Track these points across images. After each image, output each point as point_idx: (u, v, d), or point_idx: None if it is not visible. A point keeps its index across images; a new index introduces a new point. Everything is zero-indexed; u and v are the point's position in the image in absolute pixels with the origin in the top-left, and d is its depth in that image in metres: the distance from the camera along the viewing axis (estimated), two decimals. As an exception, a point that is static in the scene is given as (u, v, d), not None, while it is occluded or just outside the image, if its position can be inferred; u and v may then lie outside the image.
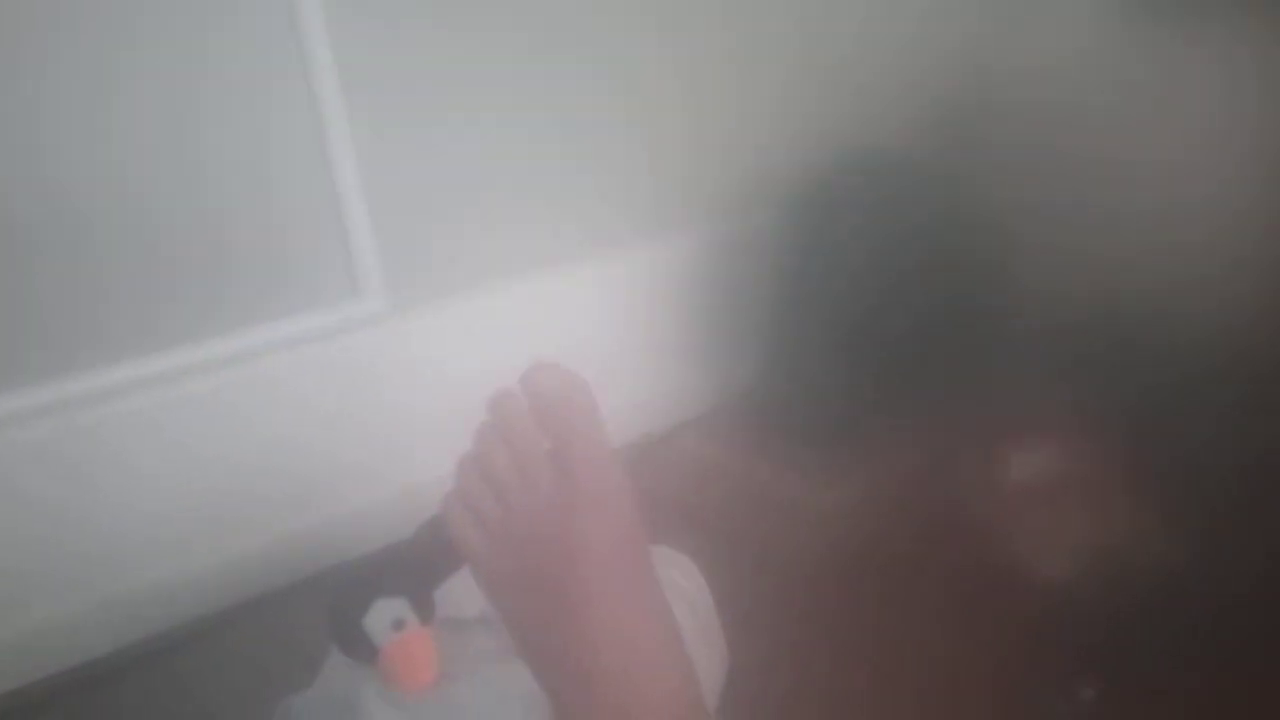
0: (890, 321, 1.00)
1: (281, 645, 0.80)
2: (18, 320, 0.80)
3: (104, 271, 0.82)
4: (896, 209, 1.03)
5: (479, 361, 0.97)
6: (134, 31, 0.78)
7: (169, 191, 0.83)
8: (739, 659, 0.76)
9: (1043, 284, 1.01)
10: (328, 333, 0.91)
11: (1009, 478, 0.98)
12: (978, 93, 1.10)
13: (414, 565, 0.68)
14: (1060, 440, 0.99)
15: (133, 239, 0.82)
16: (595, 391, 0.49)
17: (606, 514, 0.48)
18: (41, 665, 0.83)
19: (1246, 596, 0.81)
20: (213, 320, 0.88)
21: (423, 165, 0.94)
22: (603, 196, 1.05)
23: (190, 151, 0.83)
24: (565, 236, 1.04)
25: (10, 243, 0.78)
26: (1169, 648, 0.79)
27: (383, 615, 0.67)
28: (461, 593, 0.65)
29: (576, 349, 1.01)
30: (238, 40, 0.83)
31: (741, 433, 1.08)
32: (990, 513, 0.94)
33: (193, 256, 0.85)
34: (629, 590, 0.48)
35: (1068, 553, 0.90)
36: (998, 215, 1.02)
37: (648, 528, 0.49)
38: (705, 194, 1.11)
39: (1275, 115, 0.91)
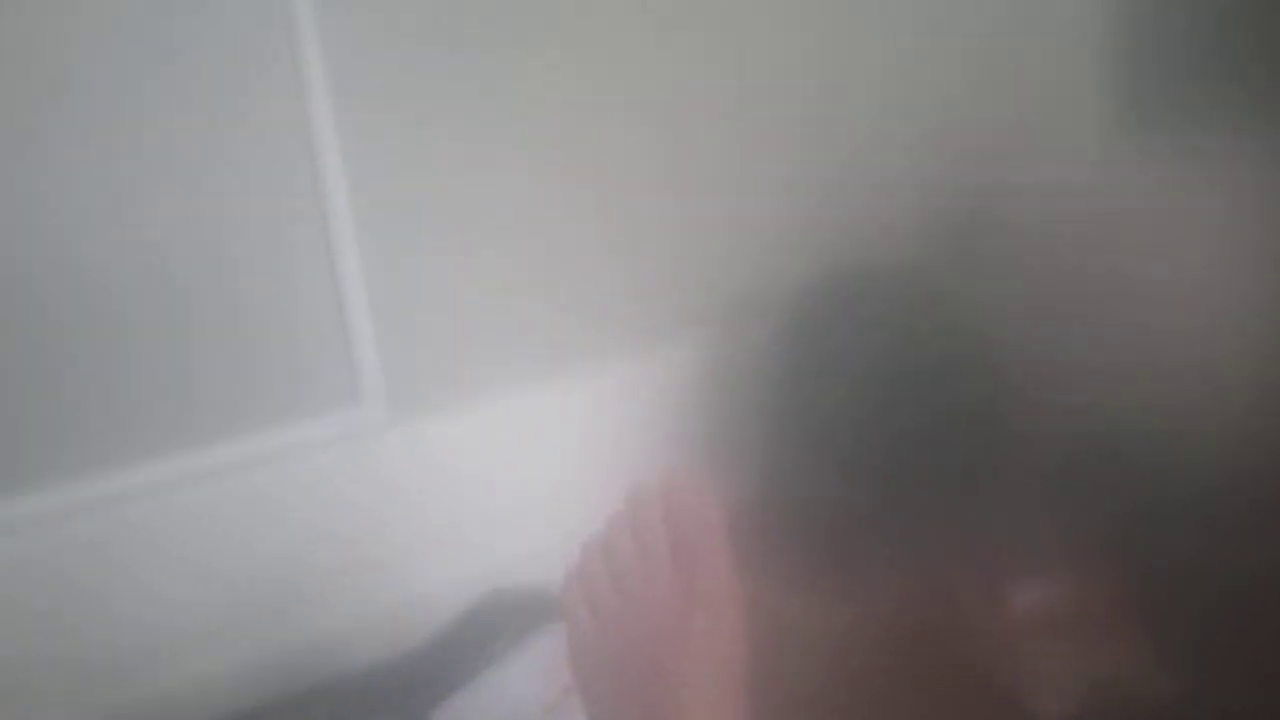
0: (886, 437, 1.01)
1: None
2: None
3: (87, 377, 0.82)
4: (893, 323, 1.05)
5: (476, 474, 0.98)
6: (152, 130, 0.80)
7: (175, 288, 0.84)
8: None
9: (1041, 399, 1.02)
10: (327, 440, 0.91)
11: (1006, 602, 0.98)
12: (976, 207, 1.13)
13: (413, 683, 0.67)
14: (1059, 563, 0.99)
15: (128, 342, 0.83)
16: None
17: (719, 624, 0.50)
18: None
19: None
20: (201, 428, 0.88)
21: (425, 277, 0.96)
22: (597, 308, 1.07)
23: (198, 249, 0.84)
24: (562, 349, 1.05)
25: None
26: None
27: (377, 736, 0.66)
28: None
29: (572, 461, 1.03)
30: (252, 145, 0.85)
31: (735, 550, 1.07)
32: (985, 639, 0.94)
33: (193, 359, 0.85)
34: (726, 701, 0.50)
35: (1066, 682, 0.90)
36: (995, 329, 1.04)
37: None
38: (700, 306, 1.13)
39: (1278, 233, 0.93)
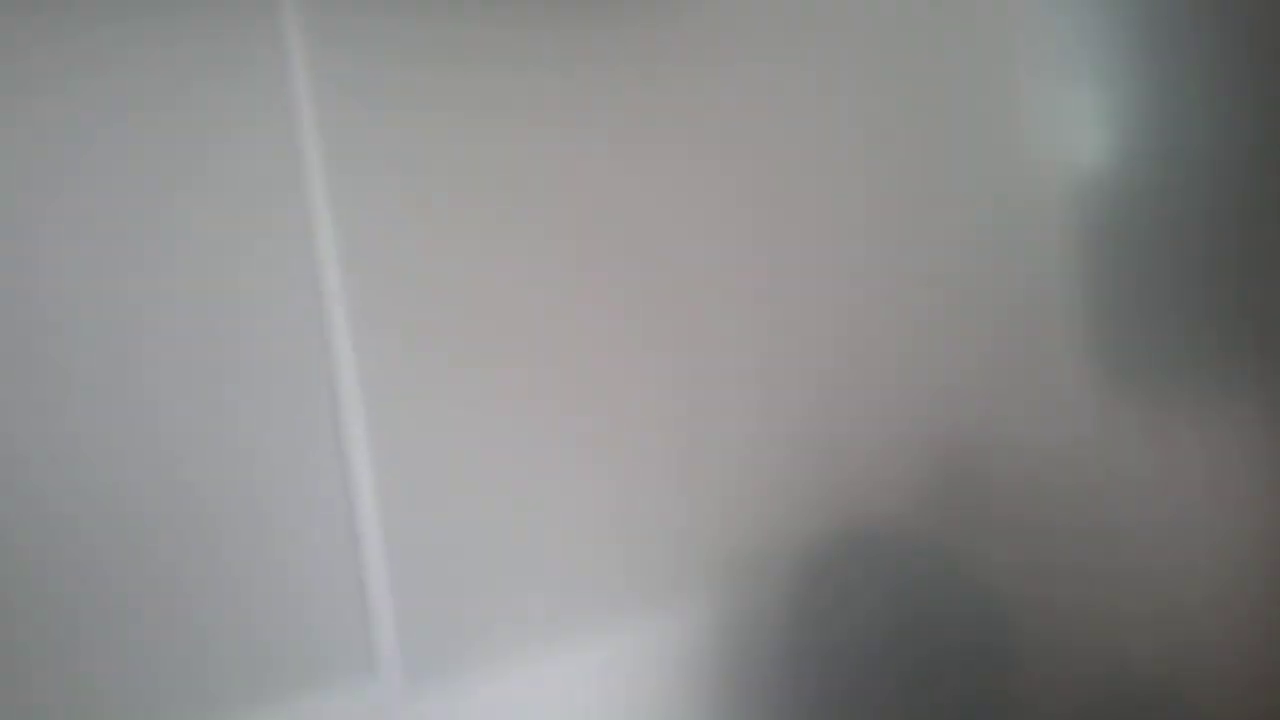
0: (892, 693, 1.00)
1: None
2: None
3: (96, 647, 0.82)
4: (894, 582, 1.05)
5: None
6: (148, 402, 0.83)
7: (184, 557, 0.85)
8: None
9: (1045, 650, 1.01)
10: (345, 714, 0.91)
11: None
12: (974, 466, 1.15)
13: None
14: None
15: (136, 612, 0.83)
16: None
17: None
18: None
19: None
20: (215, 702, 0.87)
21: (438, 543, 0.97)
22: (610, 568, 1.07)
23: (202, 524, 0.85)
24: (575, 612, 1.05)
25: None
26: None
27: None
28: None
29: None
30: (271, 408, 0.87)
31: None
32: None
33: (188, 630, 0.86)
34: None
35: None
36: (995, 584, 1.04)
37: None
38: (705, 565, 1.13)
39: (1268, 493, 0.94)
